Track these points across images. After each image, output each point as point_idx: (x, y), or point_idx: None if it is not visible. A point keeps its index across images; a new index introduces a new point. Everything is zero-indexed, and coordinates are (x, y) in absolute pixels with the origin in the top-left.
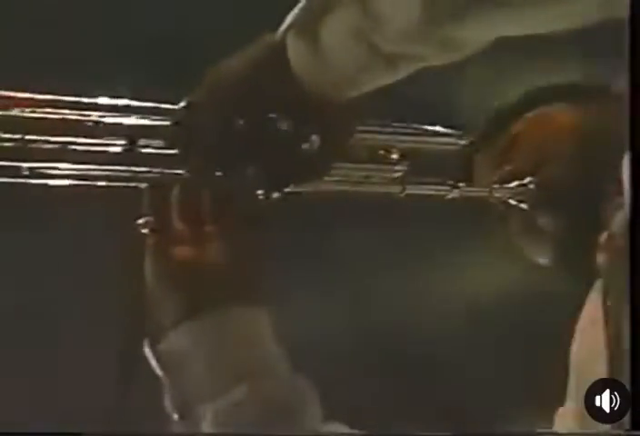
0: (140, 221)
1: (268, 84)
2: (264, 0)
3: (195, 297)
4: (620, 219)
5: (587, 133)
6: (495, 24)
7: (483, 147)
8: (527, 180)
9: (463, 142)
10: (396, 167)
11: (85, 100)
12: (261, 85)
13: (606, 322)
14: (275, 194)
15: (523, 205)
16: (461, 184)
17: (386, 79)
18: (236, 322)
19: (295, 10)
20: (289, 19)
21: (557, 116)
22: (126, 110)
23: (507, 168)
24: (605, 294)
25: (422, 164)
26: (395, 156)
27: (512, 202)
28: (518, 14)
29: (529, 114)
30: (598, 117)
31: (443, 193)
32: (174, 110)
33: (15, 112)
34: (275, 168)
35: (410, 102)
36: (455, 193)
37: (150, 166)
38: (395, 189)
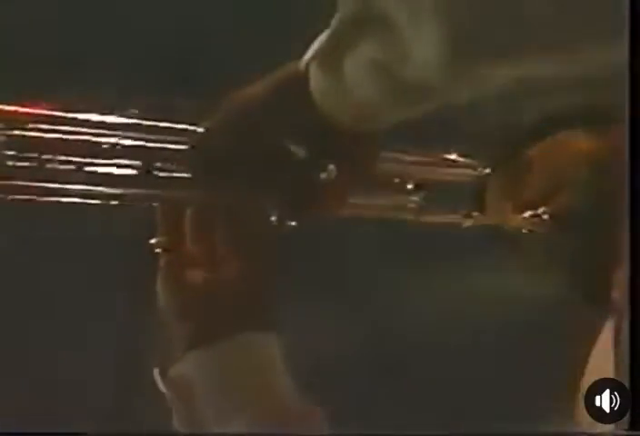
0: (153, 240)
1: (289, 112)
2: (287, 25)
3: (206, 323)
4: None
5: (604, 160)
6: (522, 65)
7: (497, 175)
8: (541, 210)
9: (478, 172)
10: (412, 197)
11: (102, 119)
12: (281, 113)
13: (617, 361)
14: (290, 222)
15: (537, 234)
16: (475, 213)
17: (408, 114)
18: (247, 349)
19: (320, 39)
20: (313, 48)
21: (573, 143)
22: (144, 132)
23: (522, 196)
24: (618, 332)
25: (437, 193)
26: (410, 186)
27: (526, 231)
28: (548, 55)
29: (544, 141)
30: (616, 143)
31: (457, 221)
32: (192, 134)
33: (31, 127)
34: (291, 196)
35: (426, 130)
36: (469, 222)
37: (165, 188)
38: (411, 217)
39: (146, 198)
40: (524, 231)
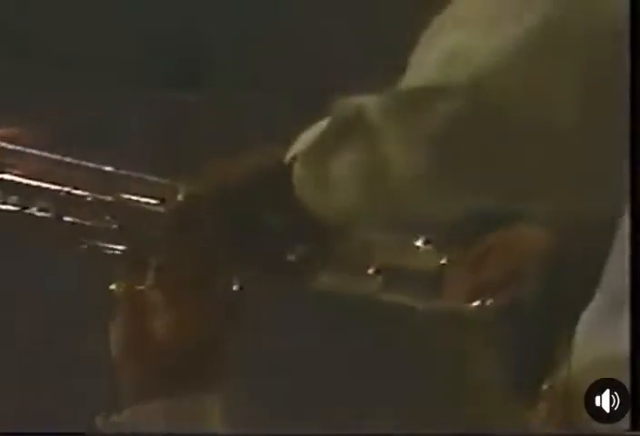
0: (113, 286)
1: (268, 194)
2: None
3: (155, 379)
4: (563, 369)
5: (559, 261)
6: (502, 195)
7: (455, 263)
8: (490, 301)
9: (438, 260)
10: (372, 280)
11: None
12: (261, 194)
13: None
14: (251, 294)
15: (481, 322)
16: (431, 298)
17: (382, 217)
18: (191, 408)
19: (308, 136)
20: (300, 143)
21: (527, 237)
22: (121, 188)
23: (475, 284)
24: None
25: (397, 277)
26: (371, 271)
27: (469, 317)
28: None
29: (505, 231)
30: (575, 248)
31: (413, 303)
32: (171, 199)
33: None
34: (257, 271)
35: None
36: (423, 306)
37: (133, 244)
38: (369, 296)
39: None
40: (472, 317)
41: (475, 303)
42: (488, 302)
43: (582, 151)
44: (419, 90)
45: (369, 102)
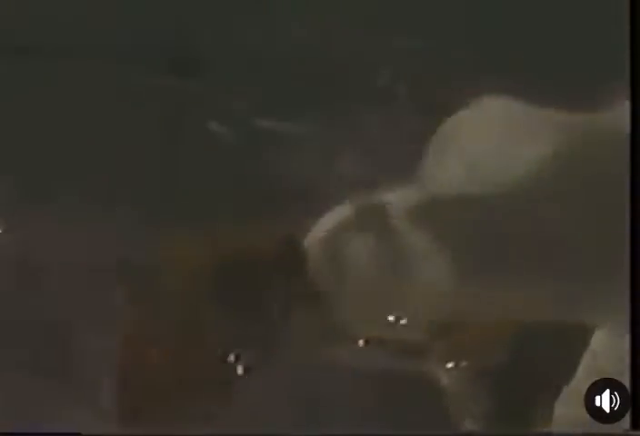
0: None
1: (274, 273)
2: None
3: (142, 404)
4: None
5: (532, 337)
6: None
7: (432, 334)
8: (464, 363)
9: (417, 333)
10: (363, 352)
11: None
12: (269, 272)
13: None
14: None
15: (456, 383)
16: (409, 356)
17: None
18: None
19: (327, 220)
20: (319, 230)
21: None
22: None
23: (449, 347)
24: None
25: (382, 346)
26: (361, 342)
27: (447, 379)
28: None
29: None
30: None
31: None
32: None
33: None
34: (255, 344)
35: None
36: (403, 365)
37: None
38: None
39: None
40: (446, 379)
41: (450, 365)
42: (463, 365)
43: (581, 262)
44: (443, 199)
45: (395, 202)
